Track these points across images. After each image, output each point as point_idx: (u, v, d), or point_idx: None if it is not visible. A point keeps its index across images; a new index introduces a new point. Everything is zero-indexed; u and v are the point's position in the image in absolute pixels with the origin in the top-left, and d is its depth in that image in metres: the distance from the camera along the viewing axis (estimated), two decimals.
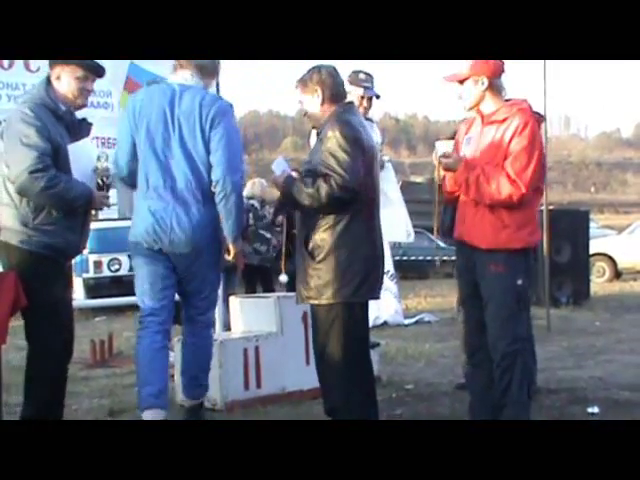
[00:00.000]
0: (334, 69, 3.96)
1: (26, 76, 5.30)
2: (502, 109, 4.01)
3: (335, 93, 3.91)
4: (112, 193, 4.32)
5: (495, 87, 4.05)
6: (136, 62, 5.77)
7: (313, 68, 3.94)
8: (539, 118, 4.15)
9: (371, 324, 7.24)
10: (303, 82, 3.95)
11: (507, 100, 4.08)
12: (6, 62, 5.36)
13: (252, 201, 8.76)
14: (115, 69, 5.51)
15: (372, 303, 4.17)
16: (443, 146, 4.23)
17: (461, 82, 4.09)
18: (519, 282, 3.91)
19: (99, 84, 5.35)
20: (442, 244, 17.87)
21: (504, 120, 3.96)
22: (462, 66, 4.09)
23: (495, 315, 3.95)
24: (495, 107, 4.03)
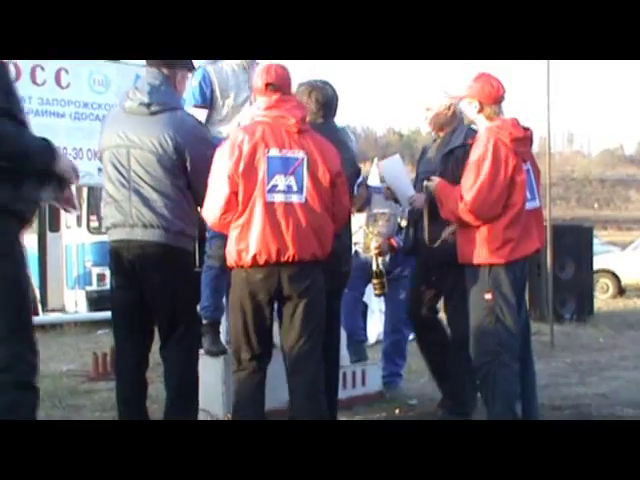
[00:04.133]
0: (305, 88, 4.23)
1: (33, 89, 5.33)
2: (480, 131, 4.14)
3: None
4: None
5: (488, 112, 4.11)
6: (140, 72, 5.78)
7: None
8: (526, 131, 4.09)
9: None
10: None
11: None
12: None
13: None
14: (121, 80, 5.52)
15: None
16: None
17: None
18: (486, 297, 3.96)
19: (106, 97, 5.39)
20: None
21: (474, 142, 4.11)
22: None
23: (470, 329, 4.08)
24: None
